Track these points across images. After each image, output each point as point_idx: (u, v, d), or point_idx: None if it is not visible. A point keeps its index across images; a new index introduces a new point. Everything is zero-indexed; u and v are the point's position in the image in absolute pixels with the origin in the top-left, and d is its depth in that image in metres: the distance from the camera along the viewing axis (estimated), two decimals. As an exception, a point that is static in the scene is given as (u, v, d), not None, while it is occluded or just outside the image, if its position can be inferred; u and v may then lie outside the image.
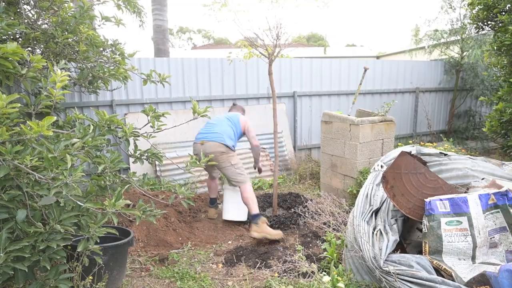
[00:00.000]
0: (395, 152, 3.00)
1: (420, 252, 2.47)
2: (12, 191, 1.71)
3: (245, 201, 3.57)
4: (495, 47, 4.37)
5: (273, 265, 2.90)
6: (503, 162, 3.00)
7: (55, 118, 1.65)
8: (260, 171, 4.17)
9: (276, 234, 3.41)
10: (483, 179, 2.71)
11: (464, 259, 2.25)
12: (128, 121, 4.68)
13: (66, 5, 3.00)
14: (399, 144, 5.90)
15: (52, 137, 1.84)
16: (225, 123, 3.87)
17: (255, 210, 3.51)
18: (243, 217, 3.91)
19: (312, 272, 2.56)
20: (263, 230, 3.39)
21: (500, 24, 4.31)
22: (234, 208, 3.94)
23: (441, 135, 7.25)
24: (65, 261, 2.01)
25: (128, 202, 1.82)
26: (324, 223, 3.27)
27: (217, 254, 3.22)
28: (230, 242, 3.51)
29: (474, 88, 7.04)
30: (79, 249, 1.91)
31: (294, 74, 5.95)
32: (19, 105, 1.69)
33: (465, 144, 6.93)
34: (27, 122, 1.67)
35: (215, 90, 5.44)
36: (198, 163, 2.35)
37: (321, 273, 2.59)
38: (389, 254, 2.30)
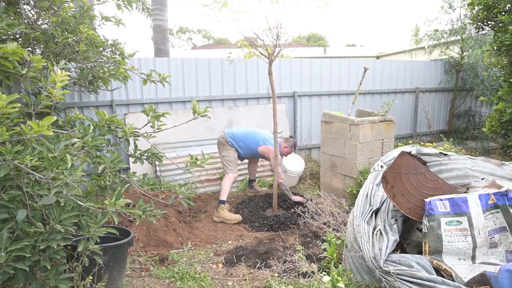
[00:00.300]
0: (395, 152, 3.00)
1: (420, 252, 2.47)
2: (12, 191, 1.71)
3: (221, 187, 4.18)
4: (495, 47, 4.37)
5: (273, 265, 2.90)
6: (503, 162, 3.00)
7: (55, 118, 1.65)
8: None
9: (234, 218, 3.98)
10: (483, 179, 2.71)
11: (464, 259, 2.25)
12: (128, 121, 4.68)
13: (66, 5, 3.00)
14: (399, 144, 5.90)
15: (52, 137, 1.84)
16: (244, 138, 4.29)
17: (222, 197, 4.08)
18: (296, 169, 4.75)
19: (312, 272, 2.56)
20: (221, 215, 4.02)
21: (500, 24, 4.31)
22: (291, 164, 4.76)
23: (441, 135, 7.25)
24: (65, 261, 2.01)
25: (129, 201, 1.82)
26: (324, 223, 3.27)
27: (217, 254, 3.22)
28: (230, 242, 3.51)
29: (474, 88, 7.04)
30: (79, 249, 1.91)
31: (294, 74, 5.95)
32: (19, 105, 1.69)
33: (465, 144, 6.93)
34: (27, 122, 1.67)
35: (215, 90, 5.44)
36: (197, 163, 2.35)
37: (321, 273, 2.59)
38: (389, 254, 2.30)
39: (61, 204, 1.73)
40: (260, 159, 4.80)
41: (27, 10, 2.94)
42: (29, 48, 3.04)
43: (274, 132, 3.98)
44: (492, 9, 4.36)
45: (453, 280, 2.10)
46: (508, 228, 2.28)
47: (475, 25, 4.82)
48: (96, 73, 3.25)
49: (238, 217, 4.02)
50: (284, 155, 4.54)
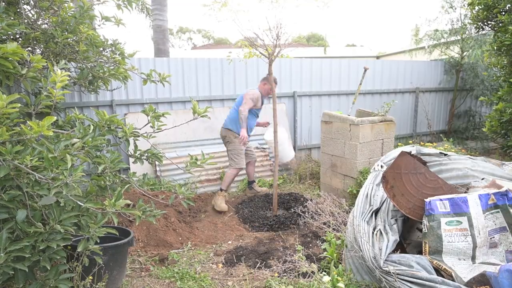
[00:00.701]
0: (395, 152, 3.00)
1: (420, 252, 2.47)
2: (12, 191, 1.71)
3: (224, 177, 4.43)
4: (495, 47, 4.37)
5: (273, 265, 2.90)
6: (503, 162, 3.00)
7: (55, 118, 1.65)
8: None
9: (220, 207, 4.25)
10: (483, 179, 2.71)
11: (464, 259, 2.25)
12: (128, 121, 4.67)
13: (66, 5, 3.00)
14: (399, 144, 5.90)
15: (52, 137, 1.84)
16: (234, 105, 4.42)
17: (223, 186, 4.37)
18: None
19: (312, 272, 2.56)
20: (215, 201, 4.33)
21: (500, 24, 4.31)
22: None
23: (441, 135, 7.25)
24: (65, 261, 2.01)
25: (128, 202, 1.82)
26: (324, 223, 3.27)
27: (217, 254, 3.22)
28: (230, 242, 3.51)
29: (474, 88, 7.04)
30: (79, 249, 1.91)
31: (294, 74, 5.95)
32: (19, 105, 1.69)
33: (465, 144, 6.93)
34: (27, 122, 1.67)
35: (215, 90, 5.44)
36: (197, 163, 2.35)
37: (321, 273, 2.59)
38: (389, 254, 2.30)
39: (61, 204, 1.73)
40: (256, 161, 4.77)
41: (27, 10, 2.94)
42: (29, 48, 3.04)
43: (274, 132, 3.98)
44: (492, 9, 4.36)
45: (453, 280, 2.10)
46: (508, 228, 2.28)
47: (475, 25, 4.82)
48: (96, 73, 3.24)
49: (224, 207, 4.26)
50: (264, 94, 4.40)
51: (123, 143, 2.32)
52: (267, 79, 4.30)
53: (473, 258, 2.24)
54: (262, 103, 4.49)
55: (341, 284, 2.29)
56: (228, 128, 4.34)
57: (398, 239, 2.50)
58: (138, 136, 2.33)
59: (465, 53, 6.78)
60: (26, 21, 2.80)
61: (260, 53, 3.81)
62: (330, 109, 6.13)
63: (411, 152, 2.86)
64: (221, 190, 4.36)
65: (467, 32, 6.57)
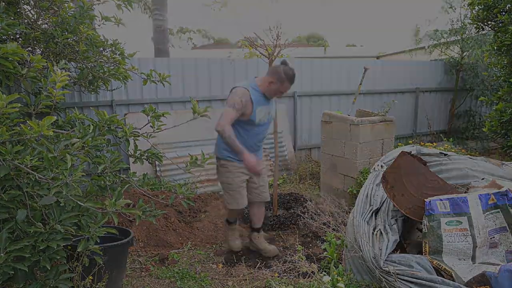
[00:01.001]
0: (395, 152, 3.00)
1: (420, 252, 2.47)
2: (12, 191, 1.71)
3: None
4: (495, 47, 4.37)
5: (273, 265, 2.90)
6: (503, 162, 2.99)
7: (55, 118, 1.65)
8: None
9: (269, 249, 3.15)
10: (483, 179, 2.71)
11: (464, 259, 2.25)
12: (128, 121, 4.67)
13: (66, 5, 3.00)
14: (399, 144, 5.89)
15: (52, 137, 1.83)
16: None
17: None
18: None
19: (312, 272, 2.56)
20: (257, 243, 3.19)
21: (500, 24, 4.31)
22: None
23: (441, 135, 7.25)
24: (65, 261, 2.01)
25: (129, 201, 1.82)
26: (324, 223, 3.27)
27: (217, 254, 3.22)
28: (230, 242, 3.51)
29: (474, 88, 7.04)
30: (79, 249, 1.91)
31: (294, 74, 5.94)
32: (19, 105, 1.69)
33: (465, 144, 6.92)
34: (27, 122, 1.67)
35: (215, 90, 5.43)
36: (197, 163, 2.35)
37: (321, 273, 2.59)
38: (389, 254, 2.30)
39: (61, 204, 1.73)
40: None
41: (27, 10, 2.94)
42: (29, 48, 3.04)
43: (274, 132, 3.98)
44: (492, 9, 4.36)
45: (453, 280, 2.10)
46: (508, 228, 2.28)
47: (475, 25, 4.82)
48: (96, 73, 3.25)
49: (233, 245, 3.20)
50: (269, 94, 2.95)
51: (123, 143, 2.32)
52: (277, 74, 2.86)
53: (473, 258, 2.24)
54: (267, 111, 2.95)
55: (341, 284, 2.29)
56: (216, 154, 3.03)
57: (398, 239, 2.49)
58: (138, 136, 2.32)
59: (465, 53, 6.78)
60: (26, 21, 2.80)
61: (260, 53, 3.81)
62: (330, 109, 6.11)
63: (411, 152, 2.86)
64: (228, 222, 3.26)
65: (467, 32, 6.57)
